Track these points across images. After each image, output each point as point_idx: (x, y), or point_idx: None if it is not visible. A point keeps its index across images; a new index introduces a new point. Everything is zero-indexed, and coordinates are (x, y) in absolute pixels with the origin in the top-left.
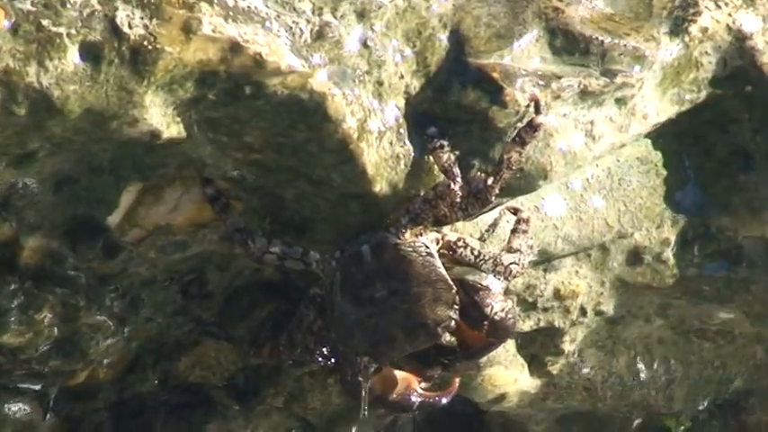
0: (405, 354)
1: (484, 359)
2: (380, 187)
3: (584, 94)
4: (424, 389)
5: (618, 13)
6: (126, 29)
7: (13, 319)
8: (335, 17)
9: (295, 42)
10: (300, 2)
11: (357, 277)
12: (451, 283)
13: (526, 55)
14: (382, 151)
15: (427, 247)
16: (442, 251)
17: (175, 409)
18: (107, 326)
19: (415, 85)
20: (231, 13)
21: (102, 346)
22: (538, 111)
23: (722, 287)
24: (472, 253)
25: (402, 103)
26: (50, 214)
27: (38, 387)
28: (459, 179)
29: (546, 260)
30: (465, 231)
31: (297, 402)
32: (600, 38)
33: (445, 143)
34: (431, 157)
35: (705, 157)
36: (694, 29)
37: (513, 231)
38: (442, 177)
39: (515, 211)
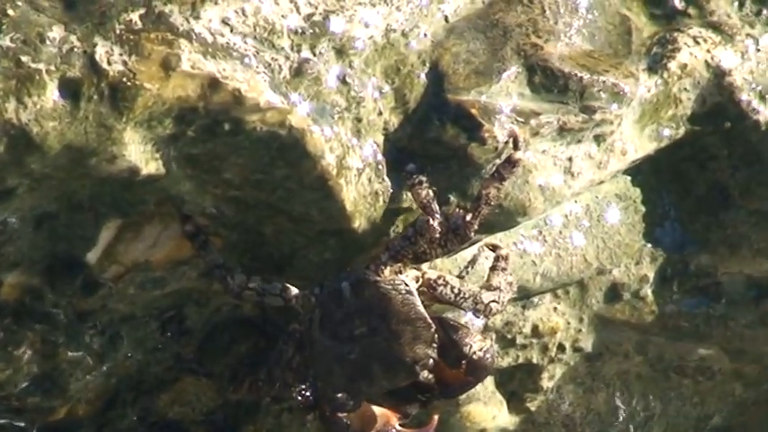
0: (383, 391)
1: (462, 396)
2: (359, 224)
3: (563, 130)
4: (402, 425)
5: (597, 49)
6: (105, 65)
7: None
8: (314, 54)
9: (274, 79)
10: (279, 38)
11: (336, 314)
12: (431, 321)
13: (505, 91)
14: (361, 188)
15: (407, 284)
16: (421, 289)
17: None
18: (86, 362)
19: (394, 121)
20: (210, 50)
21: (82, 382)
22: (516, 147)
23: (701, 324)
24: (452, 291)
25: (381, 139)
26: (30, 251)
27: (23, 423)
28: (438, 215)
29: (524, 297)
30: (444, 268)
31: None
32: (578, 74)
33: (424, 179)
34: (409, 194)
35: (684, 194)
36: (673, 65)
37: (493, 269)
38: (421, 214)
39: (494, 248)
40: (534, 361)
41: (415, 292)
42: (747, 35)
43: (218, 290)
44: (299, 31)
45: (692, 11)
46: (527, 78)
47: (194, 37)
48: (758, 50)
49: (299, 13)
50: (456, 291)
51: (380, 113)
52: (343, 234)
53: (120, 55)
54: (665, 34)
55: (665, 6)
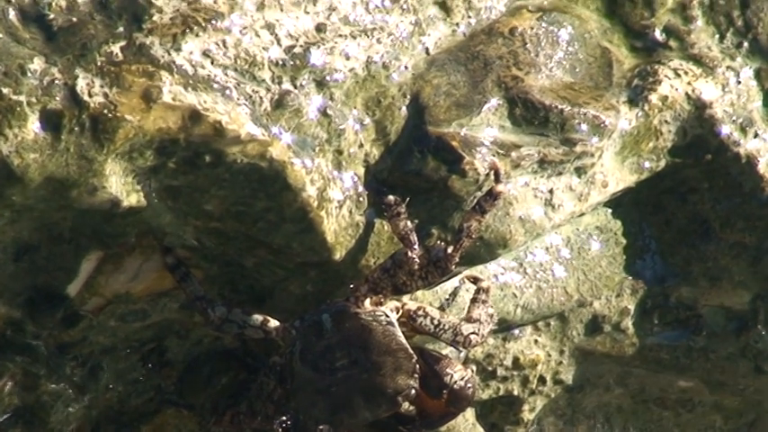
0: (365, 422)
1: (443, 428)
2: (340, 256)
3: (544, 162)
4: None
5: (577, 81)
6: (86, 97)
7: None
8: (295, 86)
9: (255, 111)
10: (260, 70)
11: (317, 346)
12: (412, 352)
13: (486, 124)
14: (342, 220)
15: (387, 316)
16: (402, 320)
17: None
18: (67, 394)
19: (375, 153)
20: (191, 82)
21: (63, 414)
22: (497, 180)
23: (681, 356)
24: (432, 322)
25: (361, 171)
26: (11, 283)
27: None
28: (416, 247)
29: (505, 329)
30: (425, 300)
31: None
32: (559, 106)
33: (402, 211)
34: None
35: (664, 227)
36: (654, 97)
37: (473, 301)
38: (400, 246)
39: (475, 281)
40: (515, 393)
41: (396, 324)
42: (728, 67)
43: (198, 322)
44: (280, 63)
45: (673, 43)
46: (508, 111)
47: (175, 69)
48: (739, 83)
49: (280, 46)
50: (436, 322)
51: (361, 145)
52: (323, 266)
53: (102, 87)
54: (646, 67)
55: (646, 39)
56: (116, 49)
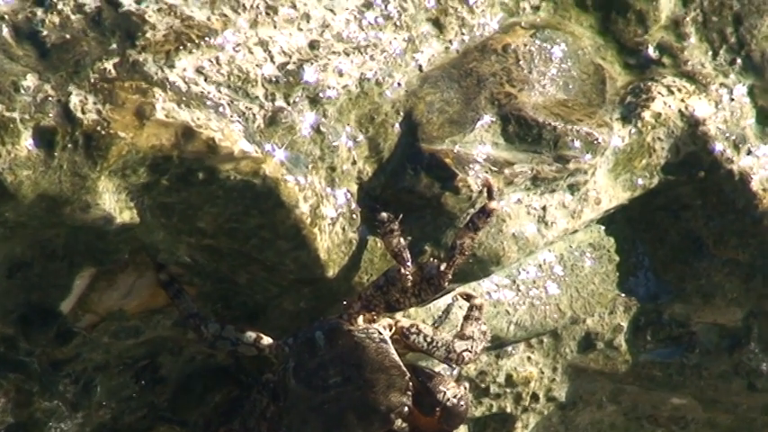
0: None
1: None
2: (333, 272)
3: (537, 179)
4: None
5: (570, 98)
6: (79, 114)
7: None
8: (288, 103)
9: (248, 128)
10: (253, 87)
11: (310, 363)
12: (405, 369)
13: (479, 140)
14: (335, 237)
15: (380, 333)
16: (395, 337)
17: None
18: (61, 411)
19: (368, 170)
20: (184, 99)
21: (56, 431)
22: (491, 196)
23: (674, 373)
24: (425, 339)
25: (355, 188)
26: (4, 300)
27: None
28: (409, 264)
29: (498, 346)
30: (418, 317)
31: None
32: (552, 123)
33: (395, 228)
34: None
35: (658, 244)
36: (647, 114)
37: (466, 318)
38: (393, 263)
39: (468, 298)
40: (508, 410)
41: (389, 341)
42: (721, 84)
43: (192, 339)
44: (274, 80)
45: (666, 60)
46: (501, 127)
47: (169, 86)
48: (732, 100)
49: (273, 63)
50: (429, 339)
51: (354, 162)
52: (317, 283)
53: (95, 104)
54: (639, 84)
55: (640, 56)
56: (109, 65)
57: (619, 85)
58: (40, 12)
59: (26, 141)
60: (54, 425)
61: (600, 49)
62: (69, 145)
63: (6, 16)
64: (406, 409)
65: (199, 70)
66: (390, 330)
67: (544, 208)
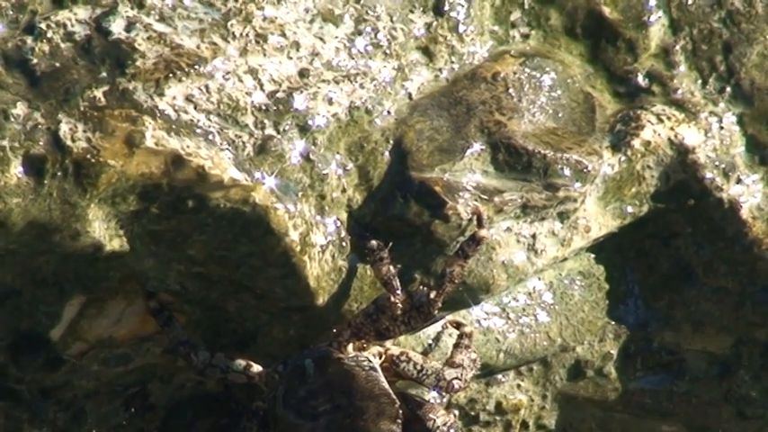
0: None
1: None
2: (323, 300)
3: (527, 207)
4: None
5: (560, 126)
6: (69, 142)
7: None
8: (278, 131)
9: (238, 156)
10: (243, 115)
11: (300, 391)
12: (394, 397)
13: (469, 169)
14: (325, 264)
15: (370, 361)
16: (384, 365)
17: None
18: None
19: (358, 198)
20: (174, 127)
21: None
22: (480, 224)
23: (664, 400)
24: (415, 368)
25: (344, 216)
26: None
27: None
28: (399, 292)
29: (488, 374)
30: (407, 345)
31: None
32: (542, 152)
33: (385, 255)
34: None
35: (647, 271)
36: (637, 143)
37: (456, 346)
38: (383, 291)
39: (458, 326)
40: None
41: (379, 369)
42: (711, 112)
43: (181, 366)
44: (263, 108)
45: (655, 88)
46: (491, 156)
47: (158, 114)
48: (722, 128)
49: (263, 91)
50: (419, 367)
51: (344, 190)
52: (306, 311)
53: (84, 132)
54: (629, 112)
55: (629, 84)
56: (99, 94)
57: (608, 113)
58: (29, 40)
59: (16, 169)
60: None
61: (589, 78)
62: (59, 173)
63: None
64: None
65: (188, 98)
66: (380, 358)
67: (534, 236)
